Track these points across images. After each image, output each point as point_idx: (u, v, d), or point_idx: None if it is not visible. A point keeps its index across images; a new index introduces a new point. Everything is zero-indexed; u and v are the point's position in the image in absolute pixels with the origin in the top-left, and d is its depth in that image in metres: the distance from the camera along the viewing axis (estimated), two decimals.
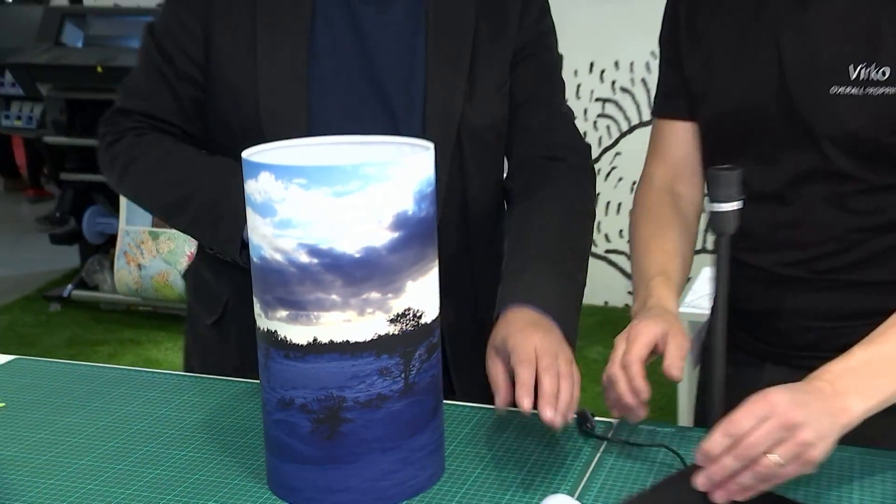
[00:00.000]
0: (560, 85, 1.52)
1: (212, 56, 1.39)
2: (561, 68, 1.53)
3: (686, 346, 1.17)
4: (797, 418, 0.96)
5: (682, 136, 1.40)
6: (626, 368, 1.14)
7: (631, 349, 1.13)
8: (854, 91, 1.18)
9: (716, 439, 0.98)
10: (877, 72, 1.17)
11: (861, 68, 1.17)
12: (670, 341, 1.15)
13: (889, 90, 1.16)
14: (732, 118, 1.31)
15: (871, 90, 1.17)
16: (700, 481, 1.00)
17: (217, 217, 1.32)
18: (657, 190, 1.42)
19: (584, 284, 1.34)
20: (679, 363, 1.14)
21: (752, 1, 1.28)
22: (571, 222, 1.38)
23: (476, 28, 1.39)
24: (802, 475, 1.01)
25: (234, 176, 1.11)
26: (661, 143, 1.44)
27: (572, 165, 1.44)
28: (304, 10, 1.36)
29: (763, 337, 1.35)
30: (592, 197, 1.48)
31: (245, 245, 1.25)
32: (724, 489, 0.99)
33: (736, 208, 1.00)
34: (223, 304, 1.49)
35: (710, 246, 2.08)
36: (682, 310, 1.72)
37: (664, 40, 1.44)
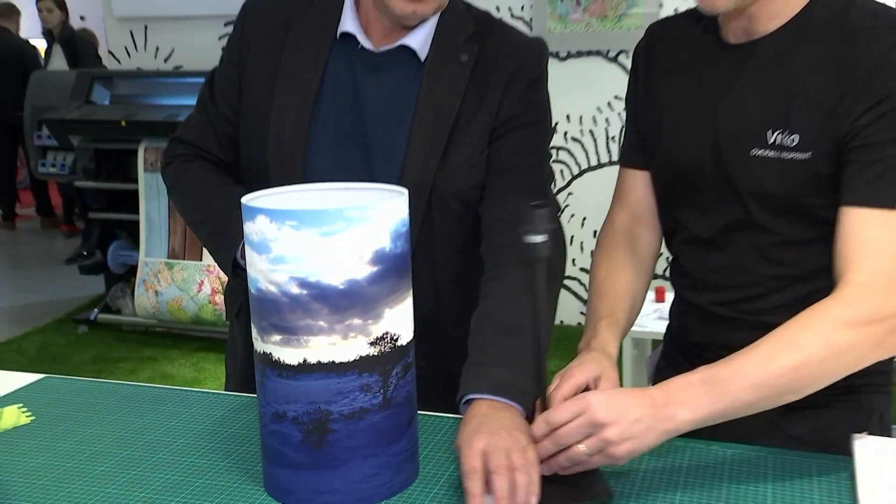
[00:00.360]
0: (541, 153, 1.44)
1: (241, 102, 1.42)
2: (549, 138, 1.47)
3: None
4: (603, 419, 1.00)
5: (641, 184, 1.38)
6: (549, 401, 1.14)
7: (560, 386, 1.13)
8: (770, 154, 1.17)
9: (538, 425, 1.04)
10: (788, 138, 1.15)
11: (777, 134, 1.16)
12: (601, 385, 1.15)
13: (797, 155, 1.15)
14: (676, 171, 1.30)
15: (784, 154, 1.16)
16: (537, 427, 1.05)
17: (219, 243, 1.37)
18: (617, 232, 1.40)
19: (549, 339, 1.27)
20: None
21: (695, 70, 1.27)
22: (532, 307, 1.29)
23: (459, 110, 1.36)
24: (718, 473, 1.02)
25: (233, 227, 1.11)
26: (623, 189, 1.41)
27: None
28: (316, 76, 1.36)
29: (698, 366, 1.33)
30: (559, 259, 1.37)
31: (236, 266, 1.33)
32: (547, 465, 1.03)
33: (545, 240, 1.02)
34: (239, 305, 1.51)
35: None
36: None
37: (627, 99, 1.43)
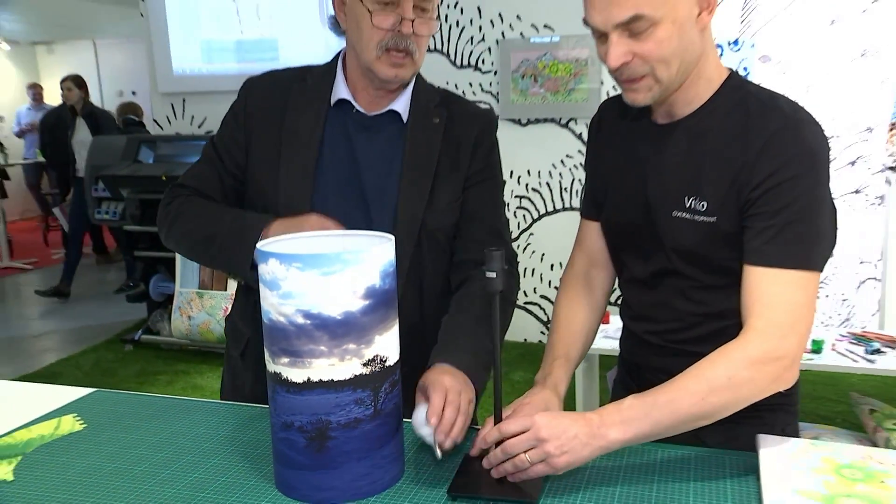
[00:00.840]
0: (499, 203, 1.46)
1: (249, 161, 1.39)
2: (502, 190, 1.48)
3: None
4: (544, 435, 1.00)
5: (597, 233, 1.35)
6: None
7: (513, 416, 1.12)
8: (687, 216, 1.16)
9: (491, 432, 1.05)
10: (699, 203, 1.15)
11: (691, 199, 1.15)
12: None
13: (706, 218, 1.14)
14: (618, 226, 1.30)
15: (696, 217, 1.15)
16: (484, 462, 1.05)
17: (232, 247, 1.31)
18: (577, 275, 1.37)
19: (500, 348, 1.25)
20: None
21: (632, 143, 1.26)
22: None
23: (438, 162, 1.37)
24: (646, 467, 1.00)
25: (247, 224, 1.19)
26: (582, 237, 1.39)
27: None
28: (316, 136, 1.36)
29: (638, 383, 1.31)
30: (511, 289, 1.41)
31: (253, 267, 1.23)
32: (496, 470, 1.04)
33: (496, 276, 1.05)
34: (245, 340, 1.46)
35: None
36: None
37: (585, 162, 1.41)
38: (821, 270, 1.10)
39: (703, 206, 1.14)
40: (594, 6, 1.08)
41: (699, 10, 1.09)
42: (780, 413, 1.26)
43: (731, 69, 1.20)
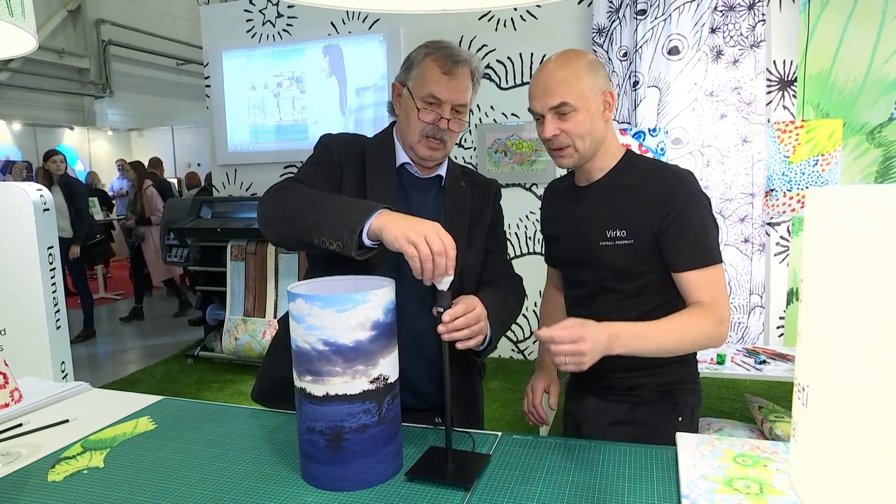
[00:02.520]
0: (505, 243, 1.48)
1: (341, 193, 1.30)
2: (506, 235, 1.50)
3: (559, 391, 1.40)
4: (585, 336, 1.03)
5: (558, 273, 1.50)
6: (535, 408, 1.40)
7: (534, 397, 1.39)
8: (609, 243, 1.25)
9: (543, 332, 1.03)
10: (620, 232, 1.24)
11: (611, 231, 1.24)
12: (552, 389, 1.40)
13: (626, 242, 1.23)
14: (563, 259, 1.39)
15: (617, 242, 1.24)
16: (543, 334, 1.03)
17: (346, 214, 1.09)
18: (550, 295, 1.55)
19: (510, 318, 1.30)
20: (555, 400, 1.41)
21: (564, 202, 1.36)
22: (507, 297, 1.34)
23: (470, 214, 1.38)
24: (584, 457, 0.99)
25: (366, 203, 1.11)
26: (550, 275, 1.56)
27: (510, 284, 1.40)
28: (392, 191, 1.32)
29: (586, 379, 1.36)
30: (520, 296, 1.40)
31: (359, 237, 1.06)
32: (558, 351, 1.03)
33: (443, 311, 1.07)
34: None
35: None
36: None
37: (541, 226, 1.50)
38: (720, 261, 1.21)
39: (622, 233, 1.23)
40: (535, 96, 1.22)
41: (604, 109, 1.24)
42: (689, 394, 1.32)
43: (627, 148, 1.32)
